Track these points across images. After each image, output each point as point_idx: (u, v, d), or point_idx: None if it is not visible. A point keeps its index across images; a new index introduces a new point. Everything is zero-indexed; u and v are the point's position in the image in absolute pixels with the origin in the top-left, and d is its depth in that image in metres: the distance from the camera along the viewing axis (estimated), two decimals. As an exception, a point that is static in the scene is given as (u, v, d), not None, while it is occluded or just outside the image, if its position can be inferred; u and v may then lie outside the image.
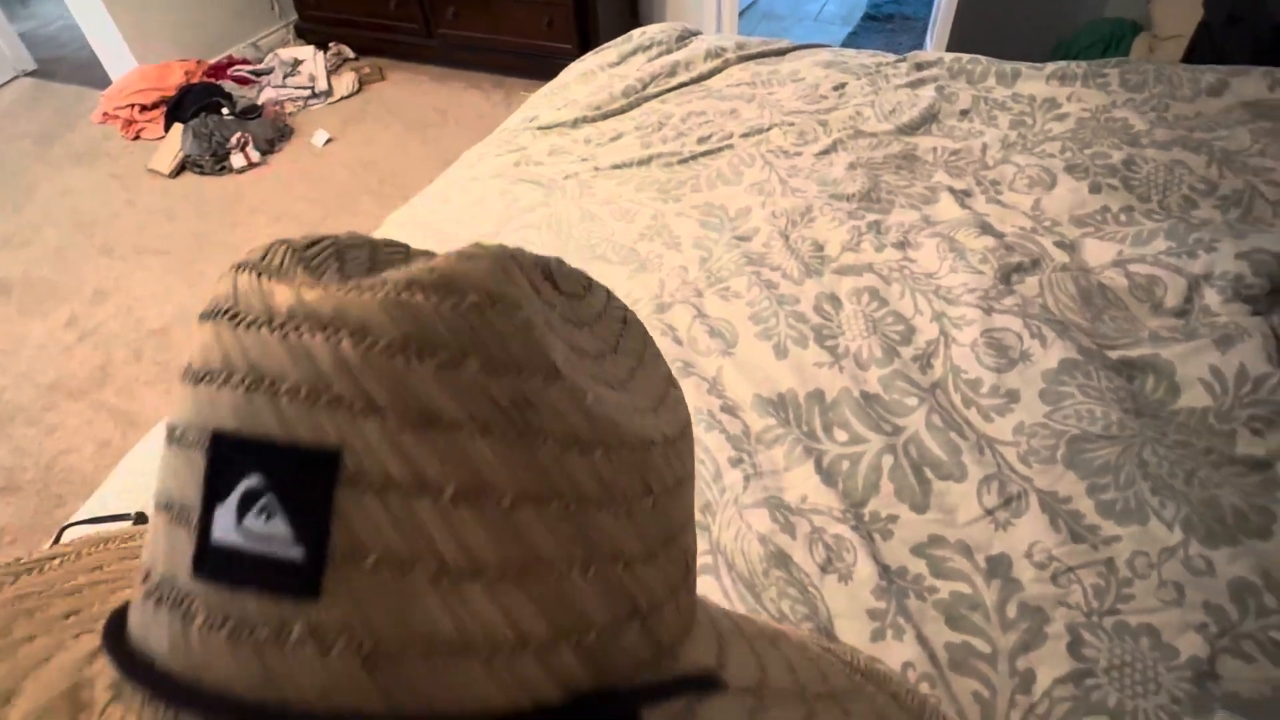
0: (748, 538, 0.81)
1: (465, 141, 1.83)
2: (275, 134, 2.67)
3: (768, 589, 0.77)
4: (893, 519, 0.84)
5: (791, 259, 1.14)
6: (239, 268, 0.19)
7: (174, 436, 0.19)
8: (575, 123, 1.52)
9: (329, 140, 2.67)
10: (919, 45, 3.17)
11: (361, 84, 2.99)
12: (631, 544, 0.21)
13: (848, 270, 1.12)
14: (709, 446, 0.89)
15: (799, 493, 0.86)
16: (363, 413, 0.17)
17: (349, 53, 3.15)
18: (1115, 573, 0.76)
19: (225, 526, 0.17)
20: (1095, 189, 1.22)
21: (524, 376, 0.19)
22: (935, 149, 1.36)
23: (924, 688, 0.69)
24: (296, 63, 3.00)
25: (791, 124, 1.44)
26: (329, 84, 2.96)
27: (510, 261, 0.21)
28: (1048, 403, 0.91)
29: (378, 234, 1.22)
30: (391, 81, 3.05)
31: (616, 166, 1.38)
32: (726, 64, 1.67)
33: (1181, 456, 0.84)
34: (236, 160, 2.54)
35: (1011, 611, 0.75)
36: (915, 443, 0.90)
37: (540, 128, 1.52)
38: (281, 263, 0.19)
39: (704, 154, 1.40)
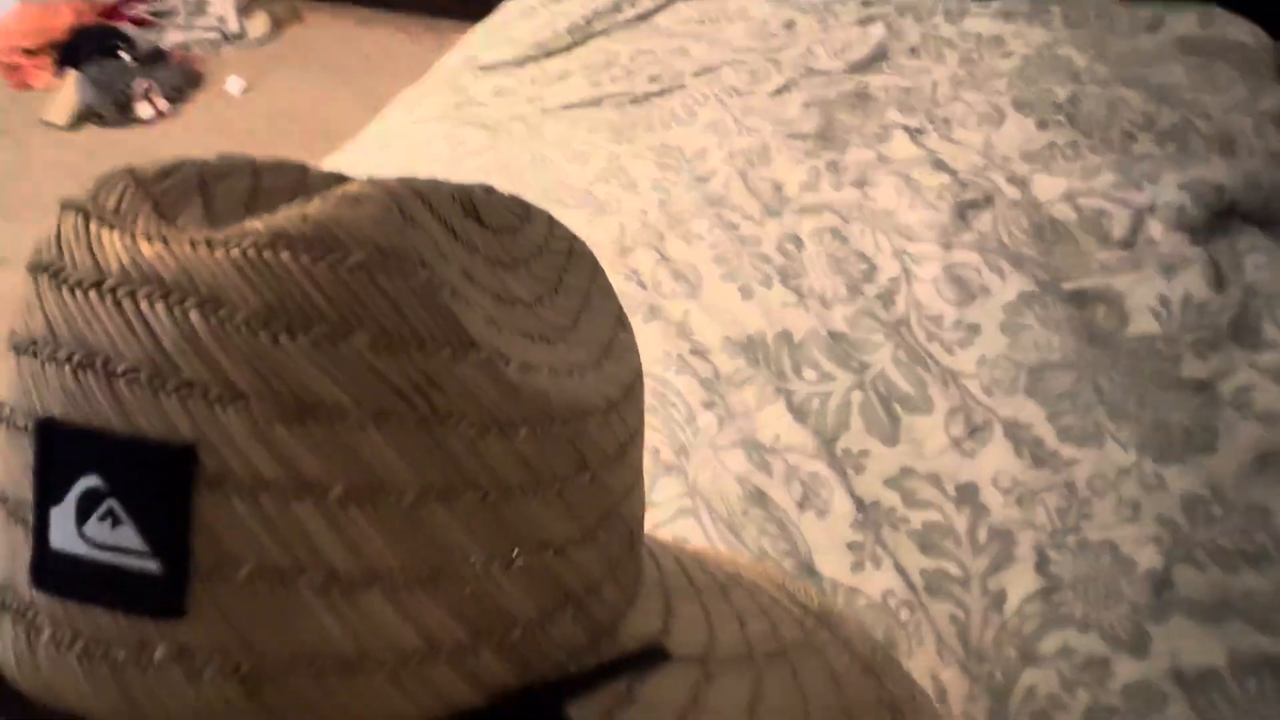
0: (725, 479, 0.81)
1: (397, 90, 1.72)
2: (184, 81, 2.47)
3: (747, 528, 0.77)
4: (864, 454, 0.85)
5: (752, 199, 1.12)
6: (66, 207, 0.16)
7: (2, 415, 0.16)
8: (519, 62, 1.45)
9: (245, 89, 2.49)
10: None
11: (277, 26, 2.79)
12: (564, 528, 0.19)
13: (808, 210, 1.11)
14: (680, 390, 0.88)
15: (772, 432, 0.86)
16: (221, 401, 0.14)
17: (261, -8, 2.92)
18: (1076, 494, 0.79)
19: (64, 532, 0.15)
20: (1042, 125, 1.24)
21: (427, 351, 0.16)
22: (887, 87, 1.36)
23: (904, 614, 0.71)
24: (201, 2, 2.77)
25: (743, 62, 1.41)
26: (240, 25, 2.75)
27: (413, 200, 0.18)
28: (1007, 334, 0.93)
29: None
30: (310, 24, 2.85)
31: (566, 107, 1.33)
32: (672, 0, 1.62)
33: (1133, 381, 0.87)
34: (143, 110, 2.34)
35: (981, 536, 0.77)
36: (882, 379, 0.91)
37: (482, 68, 1.44)
38: (120, 201, 0.16)
39: (656, 94, 1.36)
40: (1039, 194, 1.13)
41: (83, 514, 0.14)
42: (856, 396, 0.89)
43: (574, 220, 1.12)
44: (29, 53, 2.54)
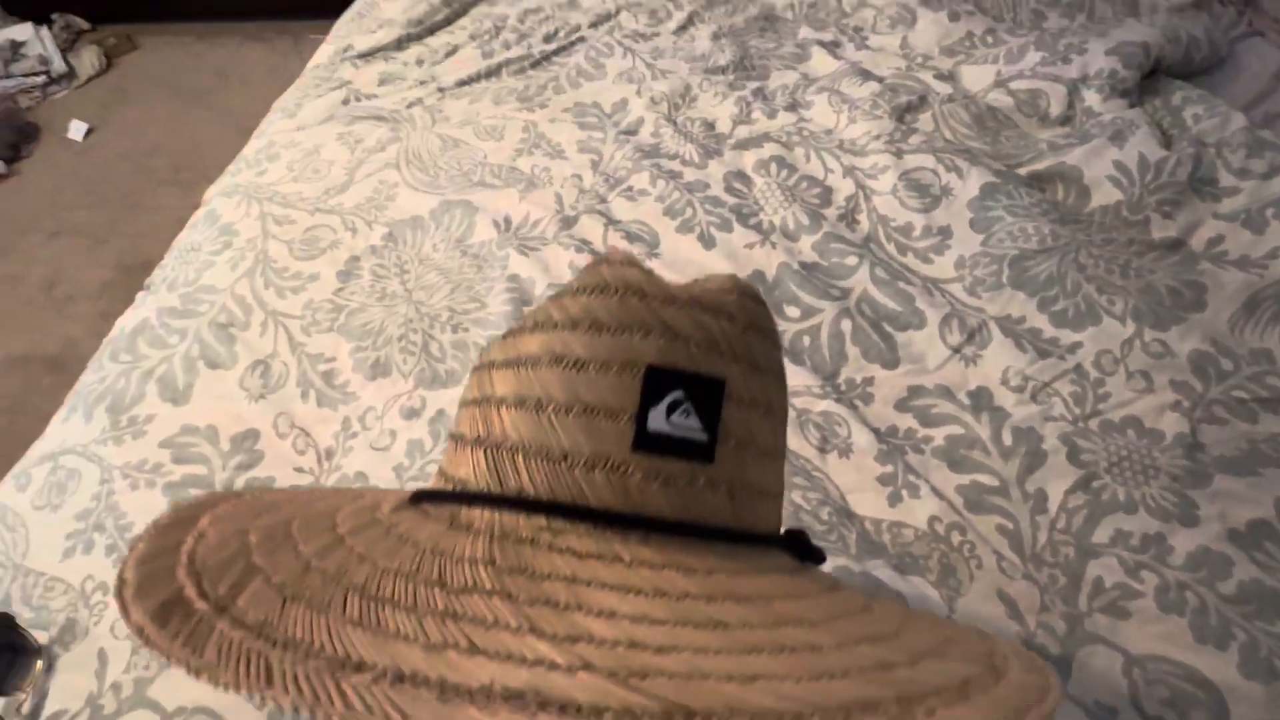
0: (736, 439, 0.75)
1: (261, 103, 1.55)
2: (16, 136, 2.20)
3: (773, 485, 0.72)
4: (869, 381, 0.81)
5: (687, 143, 1.06)
6: (617, 263, 0.31)
7: (588, 367, 0.28)
8: (399, 43, 1.32)
9: (89, 131, 2.24)
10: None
11: (109, 58, 2.51)
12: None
13: (747, 144, 1.05)
14: (667, 356, 0.82)
15: (772, 380, 0.80)
16: (733, 360, 0.30)
17: (81, 23, 2.62)
18: (1086, 377, 0.77)
19: (658, 421, 0.28)
20: (954, 17, 1.21)
21: (779, 343, 0.34)
22: (792, 4, 1.30)
23: (955, 538, 0.68)
24: (15, 46, 2.46)
25: (638, 3, 1.33)
26: (67, 64, 2.46)
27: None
28: (980, 230, 0.90)
29: (201, 215, 0.99)
30: (147, 49, 2.58)
31: (462, 83, 1.22)
32: (547, -48, 1.51)
33: (1112, 253, 0.86)
34: (-24, 175, 2.07)
35: (1007, 439, 0.74)
36: (867, 300, 0.87)
37: (359, 56, 1.31)
38: (644, 281, 0.30)
39: (555, 52, 1.26)
40: (969, 85, 1.10)
41: (670, 411, 0.28)
42: (846, 325, 0.85)
43: (506, 200, 1.04)
44: None
